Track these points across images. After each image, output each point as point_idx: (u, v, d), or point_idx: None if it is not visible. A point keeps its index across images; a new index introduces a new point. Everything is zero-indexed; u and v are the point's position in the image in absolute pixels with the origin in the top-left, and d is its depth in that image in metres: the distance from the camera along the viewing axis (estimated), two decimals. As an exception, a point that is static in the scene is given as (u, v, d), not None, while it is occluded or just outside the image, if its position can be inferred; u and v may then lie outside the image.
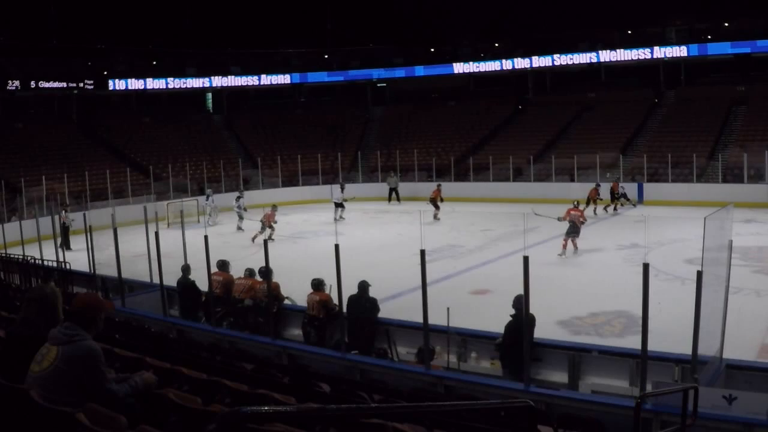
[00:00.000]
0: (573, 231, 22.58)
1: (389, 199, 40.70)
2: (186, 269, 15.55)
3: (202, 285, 14.85)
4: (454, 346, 12.05)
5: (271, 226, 26.83)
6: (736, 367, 9.92)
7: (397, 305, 15.04)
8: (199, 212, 31.98)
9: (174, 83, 52.96)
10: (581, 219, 23.04)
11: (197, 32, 50.62)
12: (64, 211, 28.49)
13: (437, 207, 32.70)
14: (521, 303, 10.59)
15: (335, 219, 32.12)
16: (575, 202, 25.12)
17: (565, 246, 22.37)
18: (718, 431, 7.95)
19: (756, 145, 37.36)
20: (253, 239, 25.75)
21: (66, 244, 25.41)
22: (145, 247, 16.03)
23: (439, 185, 35.17)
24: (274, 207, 27.91)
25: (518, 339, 10.01)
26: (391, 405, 5.93)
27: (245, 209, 31.55)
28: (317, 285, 13.46)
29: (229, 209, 33.41)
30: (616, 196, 34.90)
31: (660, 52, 49.96)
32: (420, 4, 53.93)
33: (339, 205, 33.21)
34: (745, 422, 7.89)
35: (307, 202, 39.33)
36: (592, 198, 33.10)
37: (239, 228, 30.77)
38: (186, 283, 15.50)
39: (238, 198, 32.50)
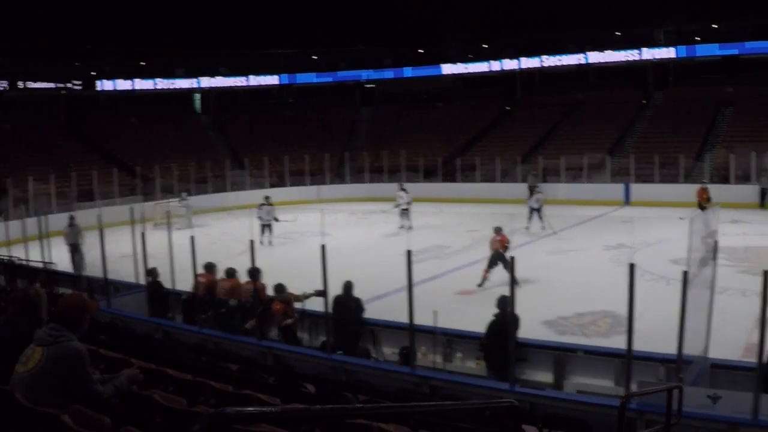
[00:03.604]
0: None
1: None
2: (152, 272, 15.78)
3: (188, 286, 14.91)
4: (439, 346, 12.08)
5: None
6: (720, 367, 9.99)
7: (383, 306, 15.05)
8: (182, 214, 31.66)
9: (162, 84, 53.04)
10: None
11: (185, 33, 50.43)
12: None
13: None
14: (505, 303, 10.63)
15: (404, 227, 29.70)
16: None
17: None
18: (702, 430, 8.00)
19: (743, 146, 37.51)
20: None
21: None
22: (132, 248, 16.04)
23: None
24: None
25: (502, 339, 10.04)
26: (376, 405, 5.95)
27: (276, 219, 28.04)
28: (279, 290, 13.57)
29: (205, 211, 33.39)
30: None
31: (648, 54, 50.29)
32: (409, 5, 53.91)
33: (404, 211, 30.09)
34: (730, 421, 7.95)
35: (295, 203, 39.25)
36: (702, 199, 30.02)
37: (270, 242, 27.40)
38: (152, 284, 15.72)
39: (262, 206, 28.37)
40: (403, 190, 30.71)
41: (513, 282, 9.89)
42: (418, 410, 5.80)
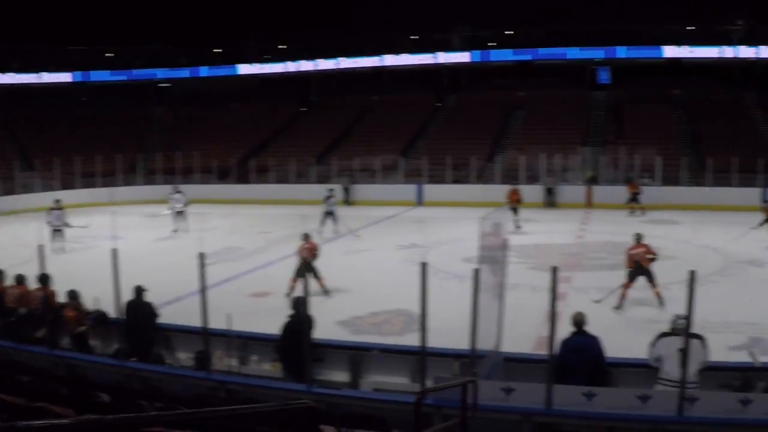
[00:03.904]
0: None
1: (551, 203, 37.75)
2: None
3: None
4: (234, 350, 11.99)
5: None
6: (514, 360, 10.38)
7: (176, 310, 14.78)
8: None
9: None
10: None
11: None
12: None
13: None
14: (299, 304, 10.68)
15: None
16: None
17: None
18: (498, 422, 8.29)
19: (533, 147, 39.32)
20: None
21: None
22: None
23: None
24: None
25: (297, 340, 10.06)
26: (172, 412, 5.87)
27: (66, 224, 26.02)
28: (72, 296, 13.17)
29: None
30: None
31: (444, 58, 51.87)
32: (206, 3, 53.16)
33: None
34: (524, 412, 8.27)
35: (86, 206, 37.79)
36: (512, 200, 29.32)
37: (62, 249, 25.27)
38: None
39: (52, 210, 26.02)
40: (179, 192, 29.81)
41: (325, 292, 9.89)
42: (214, 415, 5.72)
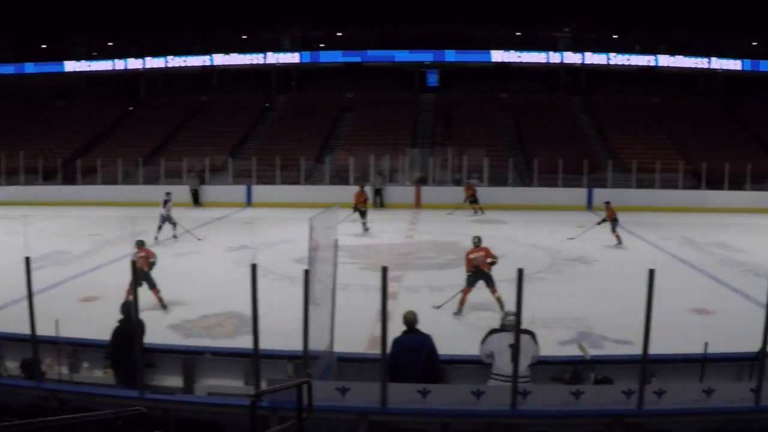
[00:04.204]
0: None
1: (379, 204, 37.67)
2: None
3: None
4: (64, 357, 11.52)
5: None
6: (347, 360, 10.41)
7: (2, 317, 14.16)
8: None
9: None
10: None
11: None
12: None
13: None
14: (129, 309, 10.39)
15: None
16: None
17: None
18: (334, 422, 8.29)
19: (361, 148, 39.65)
20: None
21: None
22: None
23: None
24: None
25: (128, 345, 9.78)
26: (2, 424, 5.55)
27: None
28: None
29: None
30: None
31: (273, 58, 51.91)
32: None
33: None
34: (360, 411, 8.29)
35: None
36: (358, 202, 29.40)
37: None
38: None
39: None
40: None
41: (162, 306, 9.58)
42: (45, 425, 5.48)
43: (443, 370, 9.94)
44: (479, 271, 16.03)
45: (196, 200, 38.44)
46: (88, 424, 6.87)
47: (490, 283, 15.97)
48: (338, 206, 10.56)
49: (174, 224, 26.39)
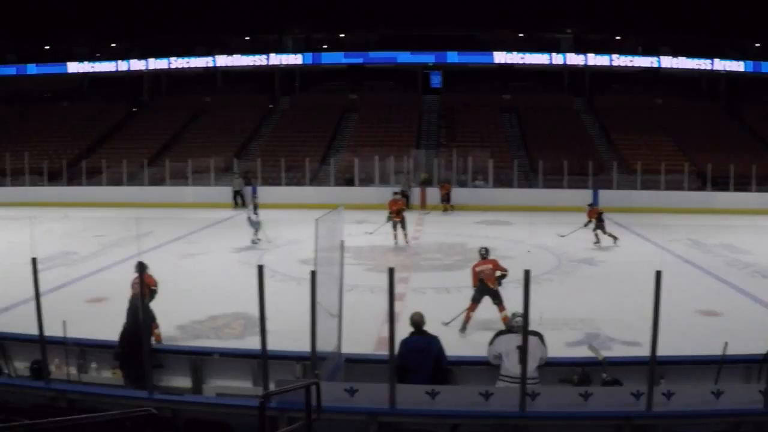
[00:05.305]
0: None
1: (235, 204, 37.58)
2: None
3: None
4: (72, 358, 11.53)
5: None
6: (355, 361, 10.39)
7: (10, 318, 14.20)
8: None
9: None
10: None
11: None
12: None
13: None
14: (136, 310, 10.40)
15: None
16: None
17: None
18: (343, 423, 8.27)
19: (366, 150, 39.67)
20: None
21: None
22: None
23: None
24: None
25: (136, 346, 9.78)
26: (12, 424, 5.57)
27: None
28: None
29: None
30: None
31: (276, 59, 51.91)
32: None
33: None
34: (368, 412, 8.27)
35: None
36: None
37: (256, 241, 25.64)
38: None
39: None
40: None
41: (143, 288, 9.57)
42: (54, 426, 5.48)
43: (451, 372, 9.93)
44: (485, 286, 14.68)
45: (237, 202, 37.77)
46: (97, 424, 6.88)
47: (496, 299, 14.71)
48: (343, 207, 10.55)
49: (257, 230, 25.87)
